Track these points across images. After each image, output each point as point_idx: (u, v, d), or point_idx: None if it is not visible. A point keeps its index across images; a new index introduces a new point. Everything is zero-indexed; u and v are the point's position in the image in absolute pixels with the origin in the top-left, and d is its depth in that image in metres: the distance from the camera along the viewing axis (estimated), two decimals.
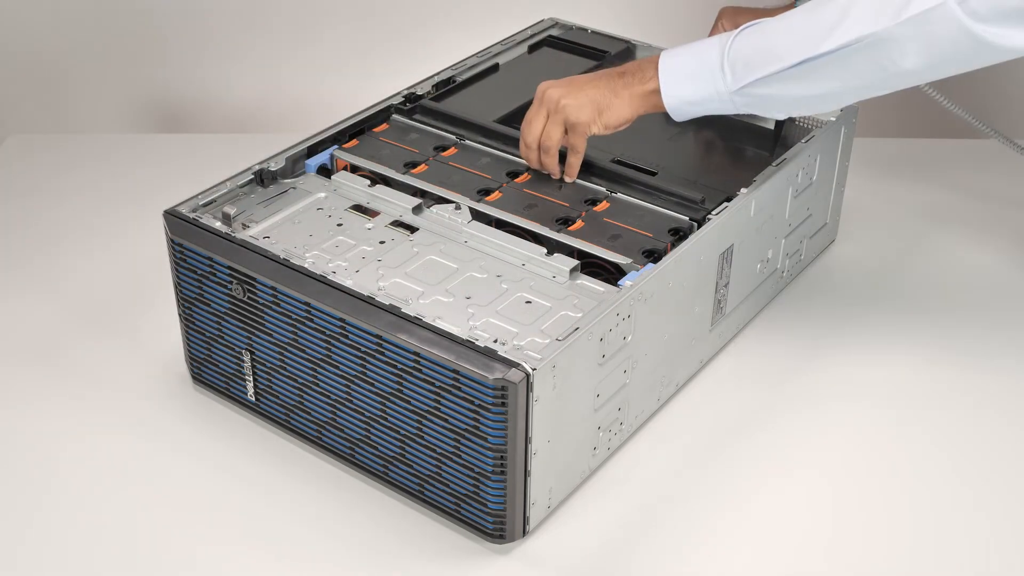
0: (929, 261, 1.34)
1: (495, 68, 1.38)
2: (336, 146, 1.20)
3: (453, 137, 1.22)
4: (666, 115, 1.10)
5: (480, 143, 1.21)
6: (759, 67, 1.03)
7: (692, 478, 1.04)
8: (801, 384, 1.15)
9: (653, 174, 1.15)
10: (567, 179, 1.14)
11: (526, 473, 0.93)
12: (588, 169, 1.15)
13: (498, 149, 1.20)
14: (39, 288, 1.29)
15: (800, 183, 1.20)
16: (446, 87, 1.32)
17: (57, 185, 1.50)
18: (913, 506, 1.01)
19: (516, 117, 1.22)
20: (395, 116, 1.26)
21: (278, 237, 1.06)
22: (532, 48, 1.43)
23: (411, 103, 1.28)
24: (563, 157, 1.14)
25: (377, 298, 0.96)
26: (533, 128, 1.13)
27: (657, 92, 1.08)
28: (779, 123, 1.25)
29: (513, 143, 1.18)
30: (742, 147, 1.25)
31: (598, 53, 1.40)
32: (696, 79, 1.07)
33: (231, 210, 1.07)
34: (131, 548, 0.97)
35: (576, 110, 1.09)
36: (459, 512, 0.96)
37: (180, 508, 1.00)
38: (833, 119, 1.24)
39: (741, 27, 1.06)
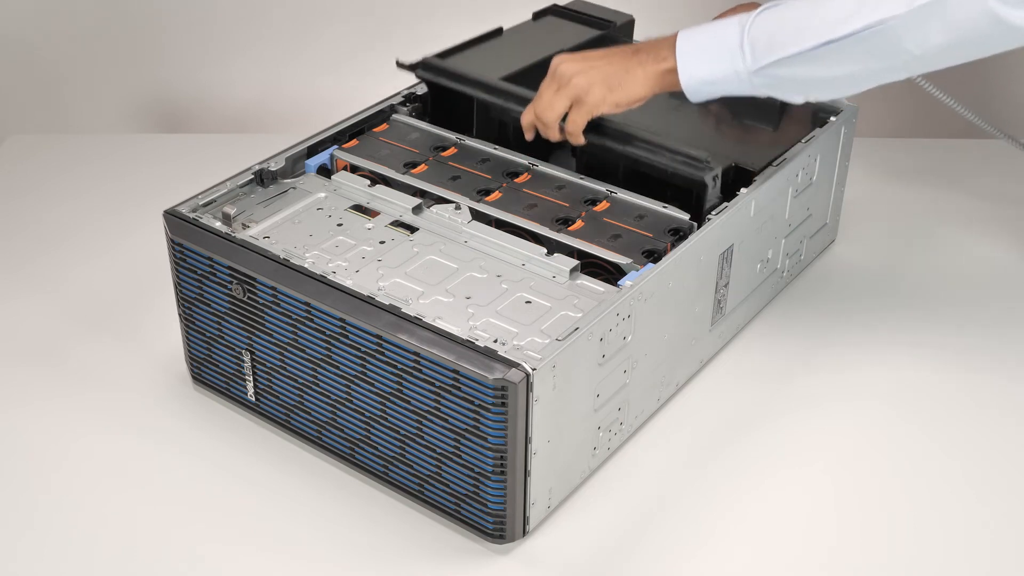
0: (929, 261, 1.34)
1: (499, 32, 1.36)
2: (336, 146, 1.20)
3: (453, 137, 1.22)
4: (671, 92, 1.08)
5: (485, 100, 1.20)
6: (780, 48, 1.01)
7: (692, 478, 1.04)
8: (801, 384, 1.15)
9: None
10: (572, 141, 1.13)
11: (526, 473, 0.93)
12: (593, 128, 1.12)
13: (502, 106, 1.18)
14: (39, 288, 1.29)
15: (800, 183, 1.20)
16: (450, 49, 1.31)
17: (57, 185, 1.50)
18: (914, 506, 1.01)
19: (520, 77, 1.21)
20: (395, 116, 1.26)
21: (278, 237, 1.06)
22: (537, 16, 1.42)
23: (411, 102, 1.28)
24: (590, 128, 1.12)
25: (377, 298, 0.96)
26: (541, 101, 1.11)
27: (673, 71, 1.07)
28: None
29: (516, 100, 1.16)
30: (747, 118, 1.23)
31: (602, 23, 1.39)
32: (714, 59, 1.05)
33: (231, 210, 1.07)
34: (131, 548, 0.97)
35: (586, 88, 1.08)
36: (459, 512, 0.96)
37: (180, 508, 1.00)
38: (834, 119, 1.24)
39: (761, 7, 1.04)
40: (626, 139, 1.12)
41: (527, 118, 1.13)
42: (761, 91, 1.06)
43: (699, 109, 1.24)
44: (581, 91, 1.08)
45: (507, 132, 1.23)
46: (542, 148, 1.27)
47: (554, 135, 1.12)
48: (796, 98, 1.07)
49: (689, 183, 1.10)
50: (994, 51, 0.97)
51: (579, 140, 1.11)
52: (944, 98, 1.32)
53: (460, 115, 1.25)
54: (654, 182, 1.13)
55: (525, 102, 1.14)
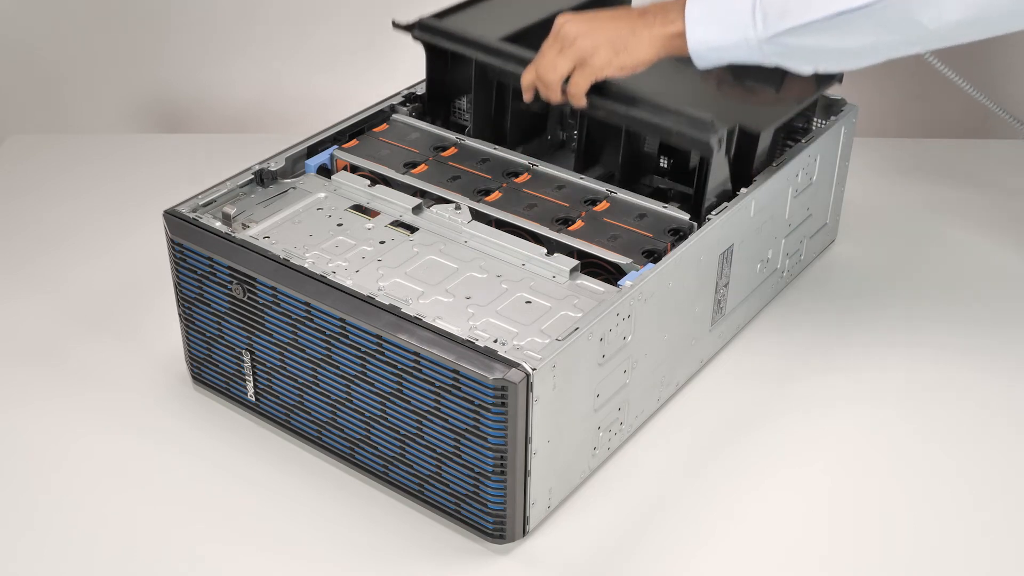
0: (929, 261, 1.34)
1: None
2: (336, 146, 1.20)
3: (453, 137, 1.22)
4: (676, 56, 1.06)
5: (484, 62, 1.17)
6: (794, 16, 0.99)
7: (692, 478, 1.04)
8: (801, 384, 1.15)
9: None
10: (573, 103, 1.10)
11: (526, 473, 0.93)
12: (596, 90, 1.09)
13: (501, 67, 1.16)
14: (39, 288, 1.29)
15: (800, 183, 1.20)
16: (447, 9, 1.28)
17: (57, 185, 1.50)
18: (913, 507, 1.01)
19: (521, 38, 1.19)
20: (395, 116, 1.26)
21: (278, 237, 1.06)
22: None
23: (411, 102, 1.28)
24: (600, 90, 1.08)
25: (377, 298, 0.96)
26: (544, 61, 1.08)
27: (681, 35, 1.04)
28: None
29: (516, 62, 1.13)
30: (748, 79, 1.19)
31: None
32: (724, 24, 1.02)
33: (231, 210, 1.07)
34: (131, 548, 0.97)
35: (591, 50, 1.06)
36: (459, 512, 0.96)
37: (180, 508, 1.00)
38: (834, 117, 1.24)
39: None
40: (629, 102, 1.09)
41: (528, 78, 1.11)
42: (770, 59, 1.03)
43: (699, 71, 1.20)
44: (586, 53, 1.06)
45: (505, 95, 1.21)
46: (542, 147, 1.27)
47: (555, 96, 1.09)
48: (806, 68, 1.05)
49: (693, 145, 1.07)
50: (1011, 29, 0.95)
51: (581, 103, 1.09)
52: (953, 76, 1.30)
53: (458, 78, 1.23)
54: (658, 145, 1.10)
55: (525, 63, 1.11)
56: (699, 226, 1.07)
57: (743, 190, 1.11)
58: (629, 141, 1.15)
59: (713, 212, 1.08)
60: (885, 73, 1.67)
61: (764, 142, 1.13)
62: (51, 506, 1.01)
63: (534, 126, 1.24)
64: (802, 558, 0.96)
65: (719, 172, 1.09)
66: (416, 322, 0.93)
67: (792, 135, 1.25)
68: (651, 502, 1.01)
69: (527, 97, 1.12)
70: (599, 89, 1.09)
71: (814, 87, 1.20)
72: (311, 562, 0.95)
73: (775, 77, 1.15)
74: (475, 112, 1.23)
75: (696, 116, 1.06)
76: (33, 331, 1.22)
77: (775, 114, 1.15)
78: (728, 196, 1.11)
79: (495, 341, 0.94)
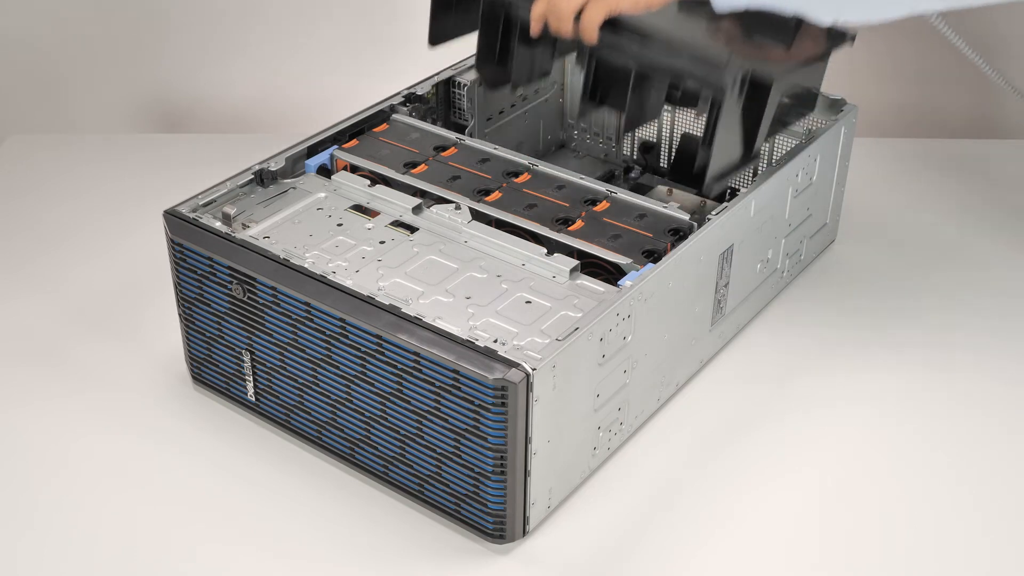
0: (929, 261, 1.34)
1: None
2: (336, 146, 1.20)
3: (453, 137, 1.22)
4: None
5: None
6: None
7: (692, 478, 1.04)
8: (801, 384, 1.15)
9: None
10: (584, 41, 1.05)
11: (526, 473, 0.93)
12: (608, 26, 1.05)
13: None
14: (39, 288, 1.29)
15: (800, 183, 1.20)
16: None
17: (57, 185, 1.50)
18: (913, 507, 1.01)
19: None
20: (395, 116, 1.26)
21: (278, 237, 1.06)
22: None
23: (411, 102, 1.28)
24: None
25: (377, 298, 0.96)
26: None
27: None
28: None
29: None
30: (758, 34, 1.14)
31: None
32: None
33: (231, 210, 1.07)
34: (131, 548, 0.97)
35: None
36: (459, 512, 0.96)
37: (180, 508, 1.00)
38: (834, 117, 1.24)
39: None
40: (642, 39, 1.05)
41: (539, 8, 1.06)
42: (791, 5, 1.00)
43: (708, 24, 1.14)
44: None
45: (511, 31, 1.15)
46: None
47: (566, 29, 1.05)
48: (826, 17, 1.01)
49: (706, 85, 1.03)
50: None
51: (592, 37, 1.05)
52: (961, 45, 1.28)
53: (463, 12, 1.19)
54: (668, 87, 1.07)
55: None
56: (699, 226, 1.07)
57: (743, 190, 1.11)
58: (638, 84, 1.10)
59: (713, 212, 1.08)
60: (885, 73, 1.68)
61: (773, 103, 1.09)
62: (51, 506, 1.01)
63: (539, 67, 1.20)
64: (802, 558, 0.96)
65: (729, 124, 1.05)
66: (416, 322, 0.93)
67: (785, 122, 1.23)
68: (651, 502, 1.01)
69: (535, 29, 1.08)
70: (612, 25, 1.04)
71: (824, 46, 1.15)
72: (311, 562, 0.95)
73: (786, 35, 1.12)
74: (479, 51, 1.20)
75: (712, 55, 1.03)
76: (33, 331, 1.22)
77: (787, 68, 1.12)
78: (733, 175, 1.09)
79: (495, 341, 0.94)
